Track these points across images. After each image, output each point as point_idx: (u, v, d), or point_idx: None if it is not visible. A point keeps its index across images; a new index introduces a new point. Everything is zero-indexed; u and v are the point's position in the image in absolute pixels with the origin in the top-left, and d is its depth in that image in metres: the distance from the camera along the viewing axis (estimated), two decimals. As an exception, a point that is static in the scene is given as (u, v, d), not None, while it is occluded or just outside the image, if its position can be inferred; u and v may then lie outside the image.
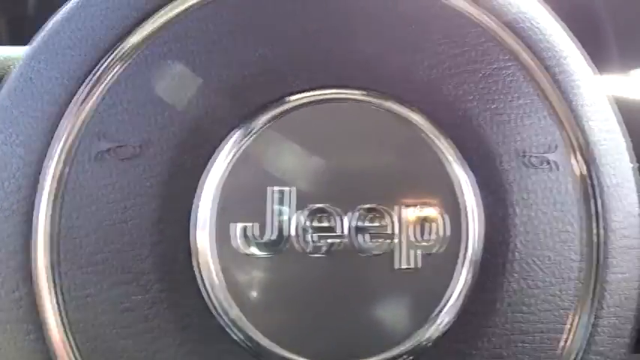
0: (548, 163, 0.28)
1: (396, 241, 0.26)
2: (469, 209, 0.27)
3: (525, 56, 0.29)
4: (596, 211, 0.28)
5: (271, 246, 0.26)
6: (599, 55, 0.72)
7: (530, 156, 0.28)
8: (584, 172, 0.28)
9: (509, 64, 0.28)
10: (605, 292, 0.28)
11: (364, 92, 0.27)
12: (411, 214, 0.26)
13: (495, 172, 0.27)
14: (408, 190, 0.27)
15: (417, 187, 0.27)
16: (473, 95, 0.28)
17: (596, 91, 0.31)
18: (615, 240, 0.29)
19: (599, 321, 0.28)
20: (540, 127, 0.28)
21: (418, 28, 0.27)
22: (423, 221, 0.26)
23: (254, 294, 0.26)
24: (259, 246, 0.26)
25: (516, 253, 0.27)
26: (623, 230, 0.29)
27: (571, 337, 0.27)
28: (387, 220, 0.26)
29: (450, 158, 0.27)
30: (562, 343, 0.27)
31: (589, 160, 0.29)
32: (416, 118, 0.27)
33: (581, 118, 0.29)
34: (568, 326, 0.27)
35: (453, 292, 0.26)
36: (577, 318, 0.28)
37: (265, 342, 0.26)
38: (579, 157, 0.28)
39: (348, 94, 0.27)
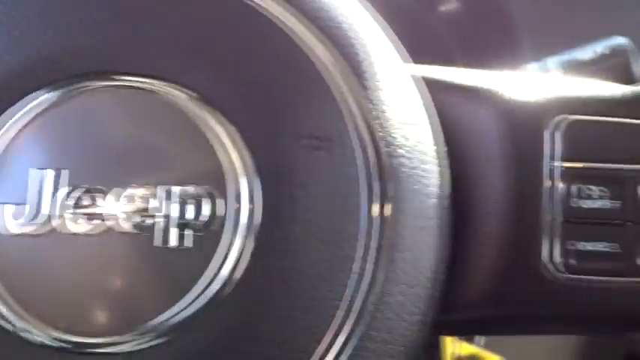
0: (333, 145, 0.29)
1: (162, 220, 0.27)
2: (242, 190, 0.28)
3: (314, 39, 0.30)
4: (385, 193, 0.29)
5: (31, 227, 0.27)
6: (512, 50, 0.73)
7: (314, 138, 0.29)
8: (374, 155, 0.29)
9: (294, 47, 0.29)
10: (391, 271, 0.29)
11: (138, 77, 0.28)
12: (179, 194, 0.28)
13: (275, 154, 0.28)
14: (179, 172, 0.28)
15: (189, 168, 0.28)
16: (253, 78, 0.29)
17: (396, 77, 0.32)
18: (405, 221, 0.30)
19: (384, 298, 0.29)
20: (328, 111, 0.29)
21: (198, 15, 0.28)
22: (192, 201, 0.28)
23: (14, 276, 0.27)
24: (19, 227, 0.28)
25: (293, 234, 0.28)
26: (415, 211, 0.30)
27: (353, 315, 0.28)
28: (153, 200, 0.27)
29: (226, 141, 0.28)
30: (343, 320, 0.28)
31: (380, 143, 0.30)
32: (194, 102, 0.28)
33: (374, 102, 0.30)
34: (349, 303, 0.28)
35: (220, 271, 0.27)
36: (359, 295, 0.29)
37: (28, 322, 0.27)
38: (369, 141, 0.29)
39: (124, 80, 0.28)
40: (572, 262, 0.33)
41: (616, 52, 0.56)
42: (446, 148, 0.33)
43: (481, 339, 0.63)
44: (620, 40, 0.56)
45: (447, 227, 0.32)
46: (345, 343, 0.28)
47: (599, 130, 0.34)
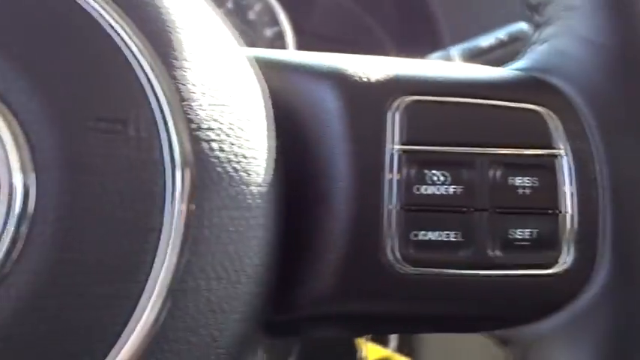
0: (128, 128, 0.26)
1: None
2: (16, 178, 0.25)
3: (115, 16, 0.27)
4: (190, 180, 0.27)
5: None
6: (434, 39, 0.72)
7: (103, 121, 0.26)
8: (178, 138, 0.27)
9: (91, 24, 0.27)
10: (196, 266, 0.27)
11: None
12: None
13: (56, 140, 0.26)
14: None
15: None
16: (40, 57, 0.26)
17: (211, 57, 0.29)
18: (215, 211, 0.27)
19: (187, 295, 0.26)
20: (124, 92, 0.27)
21: None
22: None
23: None
24: None
25: (77, 224, 0.25)
26: (229, 201, 0.28)
27: (150, 313, 0.26)
28: None
29: (1, 124, 0.26)
30: (137, 318, 0.26)
31: (185, 125, 0.27)
32: None
33: (182, 82, 0.27)
34: (145, 301, 0.26)
35: None
36: (157, 292, 0.26)
37: None
38: (173, 123, 0.27)
39: None
40: (414, 253, 0.30)
41: (517, 38, 0.54)
42: (274, 132, 0.30)
43: (392, 341, 0.60)
44: (521, 26, 0.54)
45: (274, 218, 0.29)
46: (139, 345, 0.26)
47: (442, 112, 0.31)
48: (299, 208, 0.31)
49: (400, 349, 0.60)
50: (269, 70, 0.33)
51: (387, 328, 0.36)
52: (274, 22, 0.81)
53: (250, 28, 0.81)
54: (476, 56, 0.52)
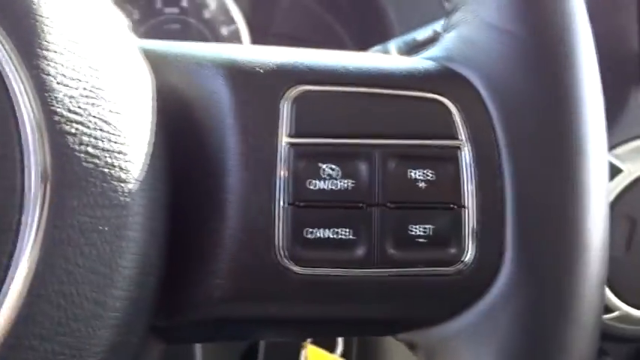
0: None
1: None
2: None
3: None
4: (55, 178, 0.25)
5: None
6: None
7: None
8: (38, 132, 0.25)
9: None
10: (60, 269, 0.25)
11: None
12: None
13: None
14: None
15: None
16: None
17: (82, 48, 0.27)
18: (81, 210, 0.25)
19: (48, 299, 0.25)
20: None
21: None
22: None
23: None
24: None
25: None
26: (95, 199, 0.26)
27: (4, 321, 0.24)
28: None
29: None
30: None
31: (42, 119, 0.25)
32: None
33: (45, 73, 0.26)
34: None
35: None
36: (12, 297, 0.24)
37: None
38: (32, 116, 0.25)
39: None
40: (306, 252, 0.28)
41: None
42: (155, 126, 0.28)
43: (339, 346, 0.58)
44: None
45: (152, 217, 0.28)
46: None
47: (335, 102, 0.29)
48: (190, 206, 0.30)
49: (347, 355, 0.58)
50: (162, 61, 0.31)
51: (286, 331, 0.34)
52: (230, 20, 0.79)
53: (206, 27, 0.79)
54: (412, 49, 0.50)
